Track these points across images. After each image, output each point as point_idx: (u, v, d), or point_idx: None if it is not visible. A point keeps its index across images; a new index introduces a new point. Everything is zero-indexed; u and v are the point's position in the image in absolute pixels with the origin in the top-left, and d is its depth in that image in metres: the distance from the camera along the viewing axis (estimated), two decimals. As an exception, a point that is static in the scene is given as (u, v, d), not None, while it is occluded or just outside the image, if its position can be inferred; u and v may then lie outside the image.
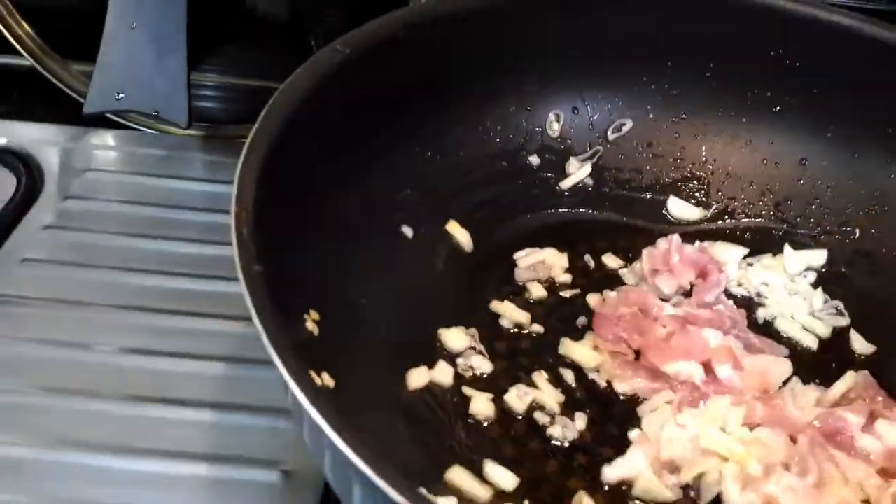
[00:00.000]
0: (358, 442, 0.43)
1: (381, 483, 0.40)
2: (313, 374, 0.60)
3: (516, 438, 0.69)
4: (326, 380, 0.62)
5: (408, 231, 0.79)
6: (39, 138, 1.03)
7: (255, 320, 0.47)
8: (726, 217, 0.89)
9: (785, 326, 0.80)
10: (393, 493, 0.40)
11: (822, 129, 0.88)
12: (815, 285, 0.83)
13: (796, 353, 0.77)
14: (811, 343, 0.78)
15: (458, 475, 0.63)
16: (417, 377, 0.70)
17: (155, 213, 0.96)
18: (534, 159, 0.90)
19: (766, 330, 0.79)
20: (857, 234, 0.86)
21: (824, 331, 0.79)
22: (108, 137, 1.06)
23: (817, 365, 0.76)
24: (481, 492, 0.62)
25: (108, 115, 1.02)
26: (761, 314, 0.81)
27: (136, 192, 0.99)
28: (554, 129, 0.91)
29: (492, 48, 0.86)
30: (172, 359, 0.79)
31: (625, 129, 0.92)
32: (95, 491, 0.68)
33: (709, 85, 0.90)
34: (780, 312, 0.80)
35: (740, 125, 0.91)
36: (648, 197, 0.90)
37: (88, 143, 1.04)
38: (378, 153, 0.77)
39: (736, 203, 0.90)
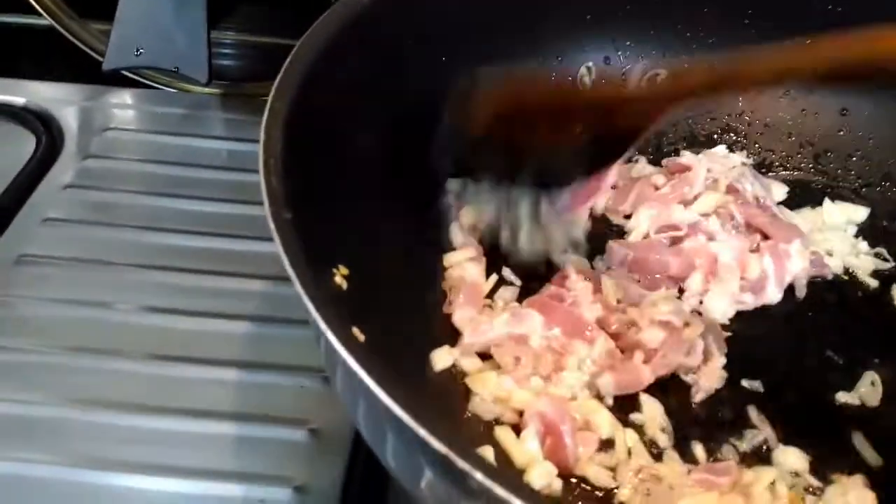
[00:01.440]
0: (394, 387, 0.41)
1: (417, 428, 0.38)
2: (342, 329, 0.59)
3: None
4: (357, 334, 0.60)
5: (443, 183, 0.77)
6: (58, 97, 1.02)
7: (287, 267, 0.45)
8: (763, 170, 0.86)
9: (829, 263, 0.77)
10: (431, 440, 0.38)
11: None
12: (856, 238, 0.80)
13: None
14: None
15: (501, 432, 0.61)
16: (441, 358, 0.67)
17: (175, 172, 0.95)
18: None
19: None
20: (901, 187, 0.83)
21: (868, 268, 0.77)
22: (127, 96, 1.04)
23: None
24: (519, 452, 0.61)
25: (127, 74, 1.01)
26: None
27: (156, 150, 0.97)
28: (585, 81, 0.88)
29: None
30: (195, 318, 0.78)
31: (659, 79, 0.88)
32: (121, 449, 0.67)
33: (747, 32, 0.87)
34: (825, 249, 0.78)
35: (778, 74, 0.87)
36: (684, 149, 0.87)
37: (107, 102, 1.03)
38: (405, 101, 0.75)
39: (774, 156, 0.87)
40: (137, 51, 0.93)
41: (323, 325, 0.43)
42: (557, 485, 0.59)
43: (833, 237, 0.79)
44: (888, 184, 0.83)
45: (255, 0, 1.21)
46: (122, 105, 1.03)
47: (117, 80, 1.01)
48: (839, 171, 0.85)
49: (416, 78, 0.77)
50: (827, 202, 0.82)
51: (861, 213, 0.81)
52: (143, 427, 0.69)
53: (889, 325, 0.74)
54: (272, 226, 0.47)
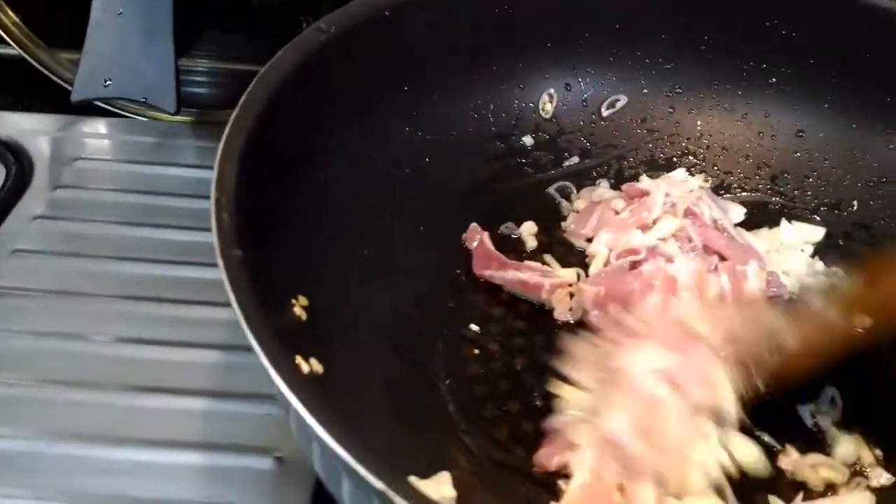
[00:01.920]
0: (344, 433, 0.42)
1: (364, 473, 0.39)
2: (300, 360, 0.60)
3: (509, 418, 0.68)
4: (315, 366, 0.61)
5: (401, 213, 0.78)
6: (28, 128, 1.02)
7: (235, 306, 0.46)
8: (722, 192, 0.87)
9: (786, 282, 0.78)
10: (378, 484, 0.39)
11: (819, 100, 0.87)
12: (812, 257, 0.82)
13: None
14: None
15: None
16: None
17: (147, 201, 0.95)
18: (527, 139, 0.89)
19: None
20: (856, 207, 0.85)
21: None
22: (98, 126, 1.05)
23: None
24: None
25: (97, 103, 1.01)
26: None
27: (128, 180, 0.98)
28: (547, 108, 0.90)
29: (482, 25, 0.85)
30: (166, 347, 0.78)
31: (619, 105, 0.90)
32: (91, 482, 0.68)
33: (704, 58, 0.89)
34: (782, 269, 0.79)
35: (736, 98, 0.89)
36: (644, 173, 0.88)
37: (78, 132, 1.03)
38: (366, 134, 0.76)
39: (732, 177, 0.89)
40: (106, 82, 0.94)
41: (268, 365, 0.44)
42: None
43: (789, 257, 0.81)
44: (844, 204, 0.85)
45: (228, 27, 1.21)
46: (93, 135, 1.04)
47: (88, 109, 1.02)
48: (796, 191, 0.87)
49: (378, 109, 0.78)
50: (784, 223, 0.83)
51: (817, 233, 0.83)
52: (112, 458, 0.69)
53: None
54: (220, 263, 0.48)
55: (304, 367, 0.60)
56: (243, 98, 0.62)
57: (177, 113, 0.96)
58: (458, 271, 0.78)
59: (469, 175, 0.85)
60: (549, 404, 0.68)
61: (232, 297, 0.47)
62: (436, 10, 0.81)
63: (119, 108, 1.03)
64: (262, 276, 0.55)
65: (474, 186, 0.84)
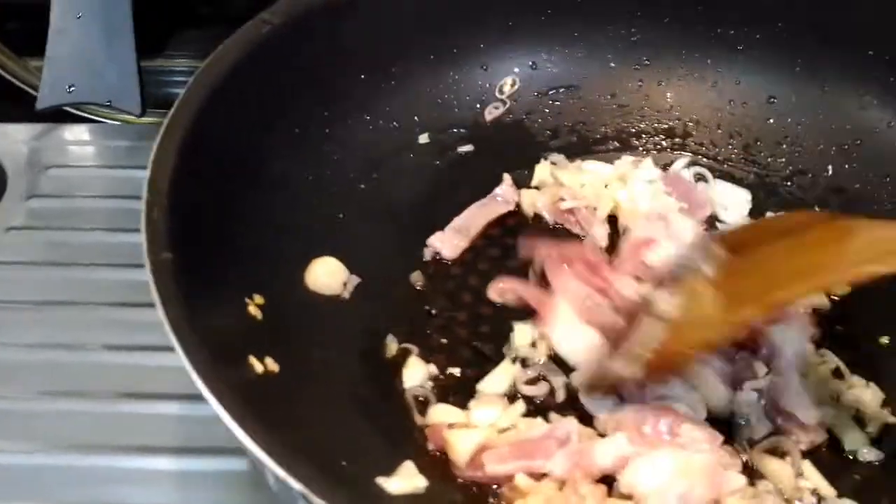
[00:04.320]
0: (265, 434, 0.41)
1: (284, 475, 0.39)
2: (254, 360, 0.59)
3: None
4: (270, 365, 0.61)
5: (358, 206, 0.77)
6: (-1, 139, 1.02)
7: (159, 309, 0.46)
8: (693, 165, 0.85)
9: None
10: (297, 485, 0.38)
11: (790, 64, 0.85)
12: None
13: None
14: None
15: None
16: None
17: (124, 205, 0.94)
18: (492, 120, 0.87)
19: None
20: (831, 171, 0.83)
21: None
22: (72, 132, 1.04)
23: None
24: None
25: (67, 109, 1.01)
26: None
27: (104, 185, 0.97)
28: (507, 90, 0.88)
29: (440, 7, 0.83)
30: (146, 353, 0.78)
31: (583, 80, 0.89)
32: (87, 491, 0.68)
33: (670, 28, 0.87)
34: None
35: (705, 67, 0.87)
36: (615, 147, 0.86)
37: (51, 140, 1.02)
38: (321, 126, 0.76)
39: (704, 149, 0.87)
40: (69, 87, 0.93)
41: (190, 368, 0.43)
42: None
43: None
44: (818, 169, 0.83)
45: (205, 25, 1.20)
46: (66, 142, 1.03)
47: (59, 115, 1.02)
48: (769, 159, 0.85)
49: (332, 99, 0.77)
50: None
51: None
52: (106, 467, 0.70)
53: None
54: (147, 266, 0.47)
55: (258, 367, 0.60)
56: (181, 96, 0.61)
57: (143, 114, 0.96)
58: (415, 265, 0.77)
59: (431, 161, 0.83)
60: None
61: (157, 301, 0.46)
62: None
63: (87, 113, 1.03)
64: (208, 276, 0.54)
65: (436, 174, 0.83)
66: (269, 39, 0.68)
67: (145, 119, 1.00)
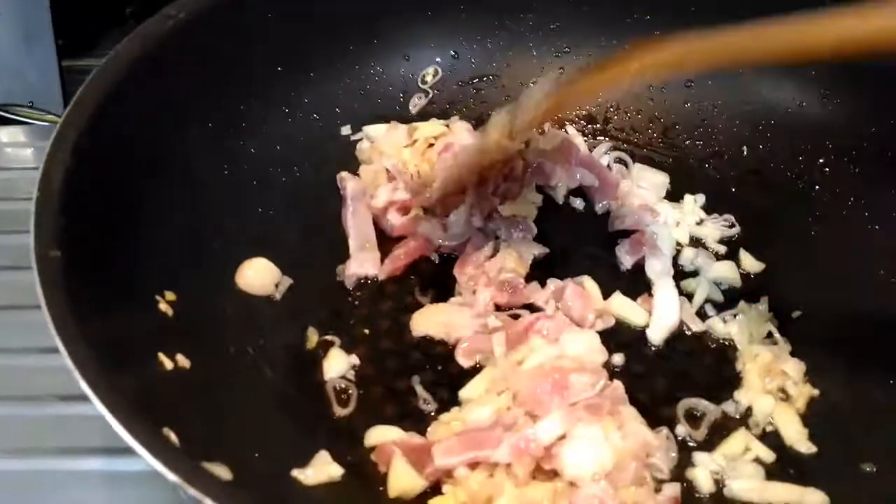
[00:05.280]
0: (139, 425, 0.42)
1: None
2: (164, 357, 0.59)
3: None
4: (181, 361, 0.61)
5: (274, 201, 0.77)
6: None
7: (43, 308, 0.46)
8: (613, 150, 0.86)
9: (677, 234, 0.79)
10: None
11: (705, 48, 0.85)
12: (706, 208, 0.82)
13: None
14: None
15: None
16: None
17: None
18: (414, 111, 0.88)
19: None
20: (746, 152, 0.84)
21: (715, 236, 0.79)
22: (5, 134, 1.02)
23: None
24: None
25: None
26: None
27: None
28: (429, 79, 0.88)
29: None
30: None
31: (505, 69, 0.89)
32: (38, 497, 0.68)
33: (588, 15, 0.88)
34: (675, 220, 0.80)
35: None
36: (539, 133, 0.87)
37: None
38: (232, 120, 0.75)
39: (625, 134, 0.88)
40: (-9, 89, 0.93)
41: (71, 366, 0.43)
42: None
43: (680, 208, 0.81)
44: (734, 150, 0.85)
45: (134, 23, 1.19)
46: (7, 143, 1.02)
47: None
48: (687, 142, 0.86)
49: (245, 93, 0.77)
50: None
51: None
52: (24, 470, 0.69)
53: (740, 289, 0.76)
54: (35, 266, 0.47)
55: (168, 364, 0.60)
56: (77, 94, 0.60)
57: (67, 114, 0.95)
58: (333, 260, 0.77)
59: (354, 152, 0.84)
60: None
61: (42, 301, 0.46)
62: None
63: (13, 114, 1.02)
64: (106, 274, 0.54)
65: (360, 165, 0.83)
66: (172, 35, 0.68)
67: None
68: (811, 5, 0.68)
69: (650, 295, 0.74)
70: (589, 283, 0.74)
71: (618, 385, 0.65)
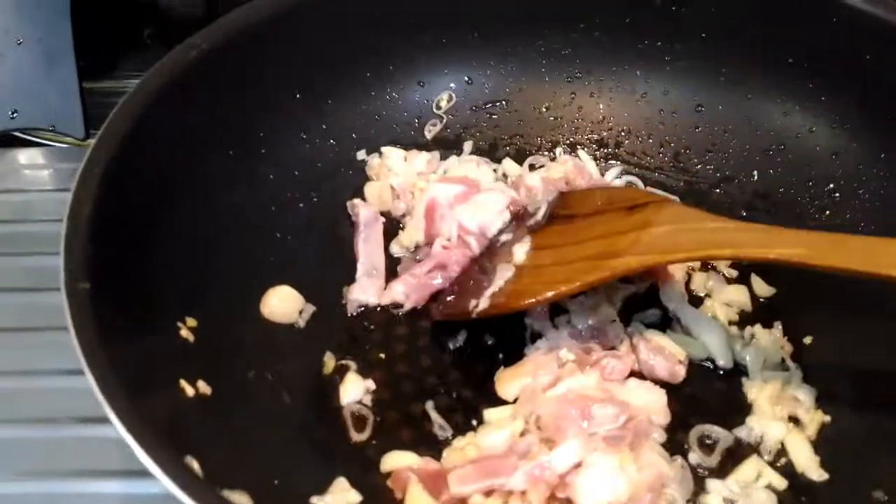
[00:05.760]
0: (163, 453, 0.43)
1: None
2: (185, 384, 0.61)
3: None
4: (203, 388, 0.62)
5: (294, 227, 0.79)
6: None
7: (73, 338, 0.47)
8: (625, 175, 0.88)
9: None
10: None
11: (715, 74, 0.87)
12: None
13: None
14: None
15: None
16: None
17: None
18: (430, 136, 0.89)
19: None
20: (756, 177, 0.85)
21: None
22: (22, 157, 1.04)
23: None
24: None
25: (19, 135, 1.01)
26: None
27: (56, 209, 0.97)
28: (444, 104, 0.90)
29: (372, 26, 0.84)
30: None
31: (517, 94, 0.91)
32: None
33: (599, 41, 0.89)
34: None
35: (635, 78, 0.90)
36: (549, 159, 0.89)
37: (3, 164, 1.02)
38: (254, 148, 0.77)
39: (636, 158, 0.89)
40: (13, 113, 0.94)
41: (101, 398, 0.45)
42: None
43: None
44: (744, 174, 0.86)
45: (155, 45, 1.21)
46: (19, 166, 1.02)
47: (9, 141, 1.02)
48: (698, 166, 0.87)
49: (265, 121, 0.78)
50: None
51: None
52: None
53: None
54: (64, 296, 0.49)
55: (189, 391, 0.61)
56: (105, 123, 0.62)
57: (87, 137, 0.97)
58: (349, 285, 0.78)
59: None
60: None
61: (72, 332, 0.48)
62: (319, 16, 0.80)
63: (33, 137, 1.03)
64: (131, 302, 0.55)
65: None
66: (196, 64, 0.69)
67: (93, 141, 1.01)
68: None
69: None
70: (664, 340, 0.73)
71: (643, 420, 0.66)
